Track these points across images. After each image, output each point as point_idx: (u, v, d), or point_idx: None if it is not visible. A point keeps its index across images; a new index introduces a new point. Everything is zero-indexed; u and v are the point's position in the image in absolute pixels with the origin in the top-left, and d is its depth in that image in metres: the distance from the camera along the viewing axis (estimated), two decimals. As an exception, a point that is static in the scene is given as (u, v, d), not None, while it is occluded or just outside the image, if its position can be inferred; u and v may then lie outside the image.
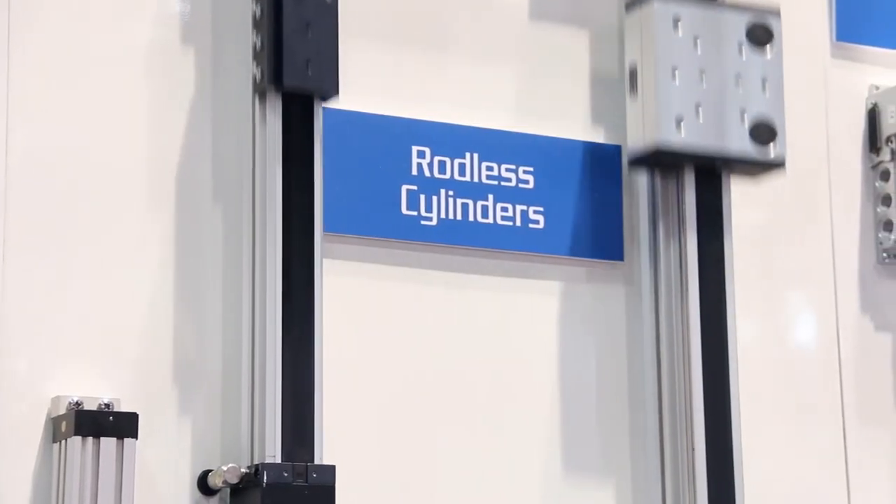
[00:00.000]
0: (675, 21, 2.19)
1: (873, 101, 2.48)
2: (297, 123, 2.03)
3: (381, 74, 2.18)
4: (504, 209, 2.21)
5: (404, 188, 2.16)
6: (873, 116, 2.48)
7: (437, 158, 2.19)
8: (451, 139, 2.19)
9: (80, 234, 1.99)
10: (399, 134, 2.16)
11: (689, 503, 2.16)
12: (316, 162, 2.04)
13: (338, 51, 2.04)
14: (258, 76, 2.03)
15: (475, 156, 2.21)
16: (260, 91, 2.03)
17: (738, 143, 2.20)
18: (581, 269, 2.26)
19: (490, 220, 2.20)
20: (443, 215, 2.18)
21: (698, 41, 2.20)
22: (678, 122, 2.17)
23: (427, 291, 2.17)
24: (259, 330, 2.01)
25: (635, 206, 2.28)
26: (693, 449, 2.18)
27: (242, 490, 1.98)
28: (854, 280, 2.45)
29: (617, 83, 2.30)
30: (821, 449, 2.36)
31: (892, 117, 2.45)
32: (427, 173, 2.18)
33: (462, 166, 2.20)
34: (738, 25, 2.22)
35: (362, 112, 2.14)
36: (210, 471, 2.00)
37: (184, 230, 2.04)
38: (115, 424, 1.90)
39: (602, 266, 2.27)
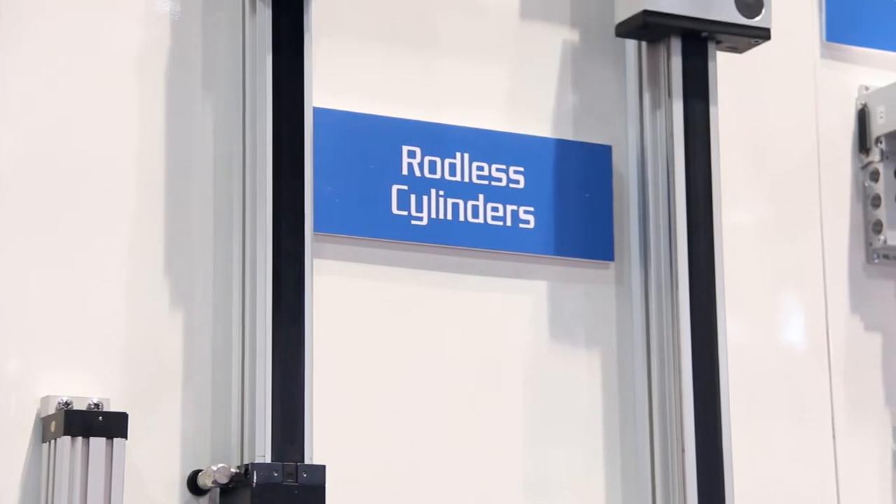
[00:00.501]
0: None
1: (863, 102, 2.48)
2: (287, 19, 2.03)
3: (372, 74, 2.18)
4: (494, 209, 2.21)
5: (395, 188, 2.16)
6: (863, 117, 2.48)
7: (427, 158, 2.19)
8: (441, 139, 2.19)
9: (70, 235, 1.99)
10: (389, 134, 2.16)
11: (679, 503, 2.17)
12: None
13: None
14: None
15: (465, 156, 2.21)
16: None
17: (724, 10, 2.22)
18: (571, 269, 2.26)
19: (480, 220, 2.20)
20: (433, 215, 2.18)
21: None
22: None
23: (417, 291, 2.17)
24: (249, 330, 2.01)
25: (625, 208, 2.29)
26: (683, 450, 2.18)
27: (232, 490, 1.98)
28: (844, 280, 2.45)
29: (607, 83, 2.31)
30: (810, 448, 2.36)
31: (881, 118, 2.46)
32: (417, 173, 2.18)
33: (452, 166, 2.20)
34: None
35: (353, 112, 2.14)
36: (200, 471, 1.99)
37: (174, 230, 2.03)
38: (105, 424, 1.90)
39: (592, 266, 2.27)
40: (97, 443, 1.89)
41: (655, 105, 2.27)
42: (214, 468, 1.97)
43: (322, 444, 2.00)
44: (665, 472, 2.19)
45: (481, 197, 2.21)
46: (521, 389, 2.20)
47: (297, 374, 2.00)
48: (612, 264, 2.27)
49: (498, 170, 2.23)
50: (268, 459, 1.96)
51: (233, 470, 1.97)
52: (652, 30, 2.23)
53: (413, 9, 2.21)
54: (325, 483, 1.97)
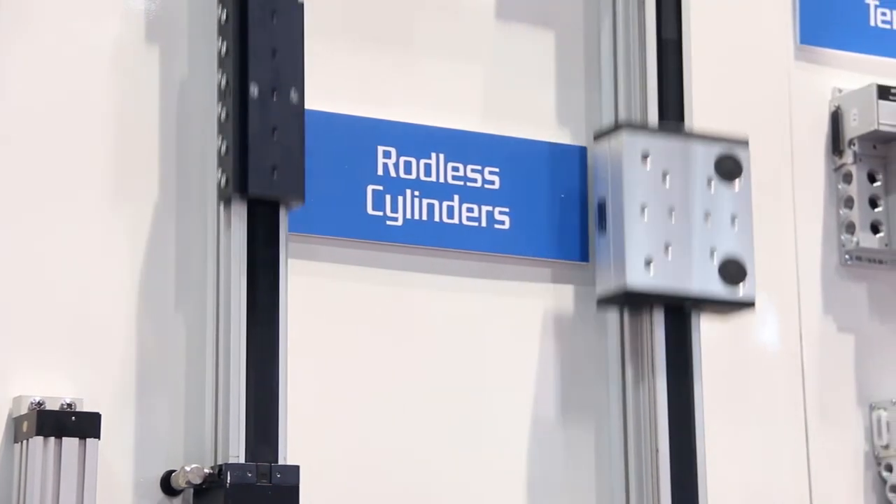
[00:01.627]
0: (644, 156, 2.18)
1: (836, 104, 2.48)
2: (262, 231, 2.00)
3: (347, 74, 2.17)
4: (470, 209, 2.21)
5: (370, 188, 2.16)
6: (836, 119, 2.49)
7: (402, 159, 2.18)
8: (417, 139, 2.19)
9: (44, 233, 1.98)
10: (365, 134, 2.16)
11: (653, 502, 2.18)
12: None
13: (304, 156, 2.00)
14: (223, 182, 1.99)
15: (441, 156, 2.21)
16: (224, 197, 1.99)
17: (707, 282, 2.19)
18: (546, 269, 2.26)
19: (455, 221, 2.20)
20: (408, 215, 2.17)
21: (667, 176, 2.19)
22: (647, 263, 2.16)
23: (393, 292, 2.16)
24: (223, 330, 2.00)
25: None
26: (657, 450, 2.19)
27: (206, 491, 1.97)
28: (817, 282, 2.46)
29: (582, 85, 2.31)
30: (783, 450, 2.37)
31: (854, 120, 2.47)
32: (393, 173, 2.17)
33: (428, 167, 2.20)
34: (706, 158, 2.21)
35: (328, 112, 2.13)
36: (173, 471, 1.98)
37: (148, 229, 2.02)
38: (78, 424, 1.89)
39: (567, 266, 2.27)
40: (70, 443, 1.88)
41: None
42: (188, 468, 1.96)
43: (296, 445, 1.99)
44: (639, 472, 2.20)
45: (456, 198, 2.21)
46: (496, 389, 2.20)
47: (271, 374, 2.00)
48: (586, 265, 2.27)
49: (473, 170, 2.22)
50: (242, 460, 1.96)
51: (206, 470, 1.96)
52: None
53: (389, 9, 2.21)
54: (298, 484, 1.96)
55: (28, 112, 1.99)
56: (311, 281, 2.10)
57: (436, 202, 2.19)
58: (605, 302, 2.21)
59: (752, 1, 2.46)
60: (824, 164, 2.49)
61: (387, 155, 2.18)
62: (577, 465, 2.23)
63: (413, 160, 2.19)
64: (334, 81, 2.16)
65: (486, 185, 2.23)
